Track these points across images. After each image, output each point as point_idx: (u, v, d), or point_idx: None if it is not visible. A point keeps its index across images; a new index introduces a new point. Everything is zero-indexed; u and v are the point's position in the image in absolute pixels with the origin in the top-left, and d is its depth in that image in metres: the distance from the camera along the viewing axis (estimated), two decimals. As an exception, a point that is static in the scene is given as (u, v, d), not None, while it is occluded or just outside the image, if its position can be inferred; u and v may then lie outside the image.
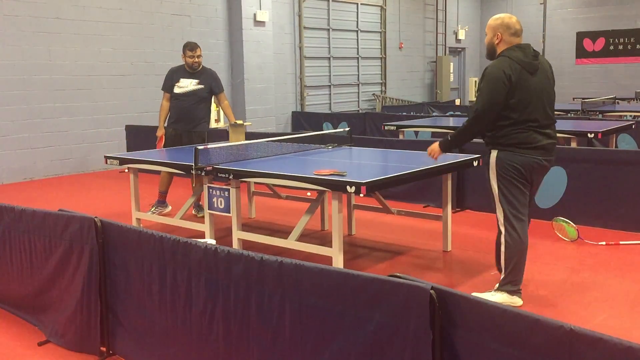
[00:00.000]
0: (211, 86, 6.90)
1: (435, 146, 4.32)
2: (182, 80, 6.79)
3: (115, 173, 9.79)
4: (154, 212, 6.82)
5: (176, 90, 6.77)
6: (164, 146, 6.86)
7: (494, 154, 4.04)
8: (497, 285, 4.17)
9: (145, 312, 3.25)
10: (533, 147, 3.97)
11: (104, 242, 3.40)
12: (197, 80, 6.81)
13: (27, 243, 3.85)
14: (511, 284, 4.09)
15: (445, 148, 4.30)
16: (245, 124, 6.65)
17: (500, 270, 4.17)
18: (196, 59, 6.75)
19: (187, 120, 6.82)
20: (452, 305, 2.15)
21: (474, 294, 4.02)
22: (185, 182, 7.16)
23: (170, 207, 7.01)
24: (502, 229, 4.06)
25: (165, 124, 6.97)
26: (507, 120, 3.94)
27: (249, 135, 8.50)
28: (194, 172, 5.06)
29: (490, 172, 4.07)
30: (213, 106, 12.00)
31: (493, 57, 4.12)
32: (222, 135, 8.59)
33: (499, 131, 3.98)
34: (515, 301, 4.08)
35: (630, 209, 5.85)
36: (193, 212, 6.87)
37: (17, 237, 3.92)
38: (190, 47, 6.76)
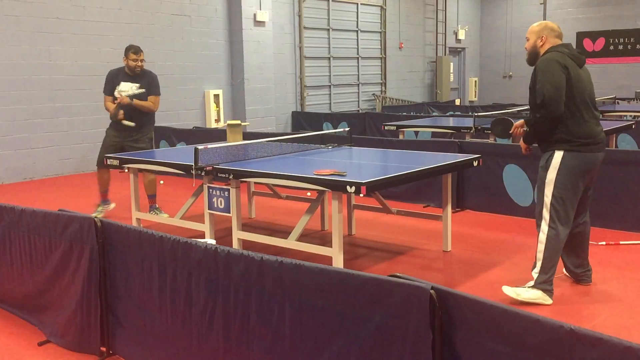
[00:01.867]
0: (150, 89, 6.81)
1: (522, 143, 4.40)
2: (122, 84, 6.68)
3: (115, 173, 9.76)
4: (101, 212, 6.86)
5: (116, 94, 6.66)
6: (103, 142, 6.78)
7: (559, 154, 4.04)
8: (531, 282, 4.18)
9: (145, 312, 3.25)
10: (596, 141, 4.06)
11: (104, 242, 3.40)
12: (138, 84, 6.73)
13: (27, 243, 3.85)
14: (547, 282, 4.14)
15: (528, 141, 4.33)
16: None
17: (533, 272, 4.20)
18: (139, 63, 6.68)
19: (130, 127, 6.74)
20: (452, 305, 2.15)
21: (504, 287, 4.17)
22: (185, 182, 7.16)
23: (113, 204, 7.02)
24: (546, 229, 4.11)
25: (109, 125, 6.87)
26: (568, 114, 4.00)
27: (250, 136, 8.51)
28: (194, 172, 5.06)
29: (550, 171, 4.07)
30: (213, 106, 12.11)
31: (534, 61, 4.20)
32: (221, 135, 8.58)
33: (561, 126, 4.02)
34: (547, 300, 4.14)
35: (630, 209, 5.85)
36: (150, 212, 6.78)
37: (17, 237, 3.92)
38: (134, 50, 6.68)
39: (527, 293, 4.14)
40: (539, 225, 4.18)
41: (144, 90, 6.74)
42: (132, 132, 6.73)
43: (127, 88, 6.69)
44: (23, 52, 9.38)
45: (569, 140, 4.02)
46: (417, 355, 2.20)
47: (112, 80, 6.75)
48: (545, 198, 4.11)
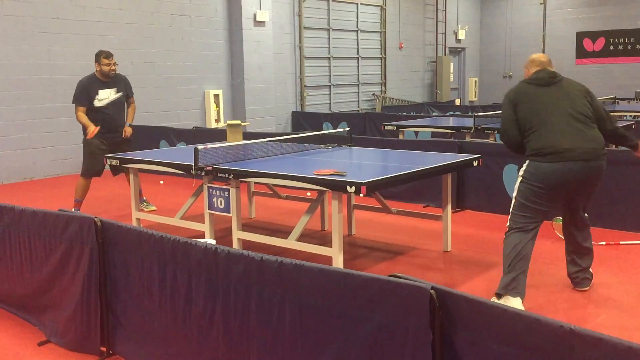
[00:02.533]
0: (126, 91, 6.87)
1: None
2: (100, 92, 6.64)
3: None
4: None
5: (97, 103, 6.62)
6: (90, 153, 6.72)
7: (525, 164, 4.18)
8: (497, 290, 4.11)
9: (145, 312, 3.25)
10: (555, 150, 4.00)
11: (104, 242, 3.40)
12: (115, 89, 6.73)
13: (27, 243, 3.85)
14: (510, 285, 4.05)
15: None
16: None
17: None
18: (113, 67, 6.65)
19: (113, 129, 6.75)
20: (452, 305, 2.15)
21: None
22: (185, 182, 7.16)
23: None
24: (507, 232, 4.20)
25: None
26: (526, 133, 4.15)
27: (250, 136, 8.50)
28: (194, 172, 5.06)
29: (518, 179, 4.20)
30: (213, 106, 12.11)
31: None
32: (221, 135, 8.58)
33: (527, 143, 4.16)
34: (517, 303, 4.06)
35: (630, 209, 5.85)
36: (141, 206, 6.81)
37: (17, 237, 3.92)
38: (106, 55, 6.63)
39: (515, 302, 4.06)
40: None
41: (121, 93, 6.78)
42: (115, 134, 6.76)
43: (106, 95, 6.68)
44: (23, 52, 9.38)
45: (532, 152, 4.10)
46: (417, 355, 2.20)
47: (87, 90, 6.62)
48: (512, 203, 4.19)
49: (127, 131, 6.85)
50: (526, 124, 4.12)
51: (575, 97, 4.19)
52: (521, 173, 4.16)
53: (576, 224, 4.40)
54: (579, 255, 4.44)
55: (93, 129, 6.54)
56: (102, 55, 6.64)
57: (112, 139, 6.75)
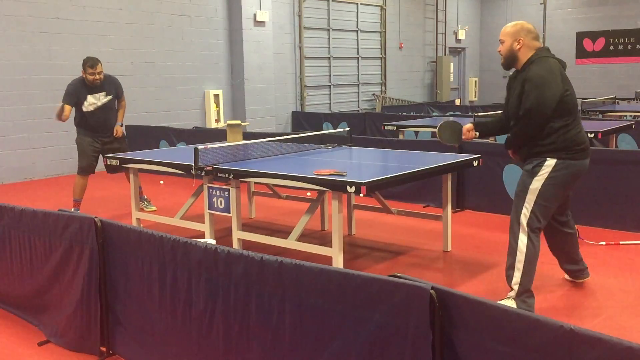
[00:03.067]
0: (117, 93, 6.89)
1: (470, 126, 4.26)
2: (89, 97, 6.68)
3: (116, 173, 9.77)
4: None
5: (87, 108, 6.68)
6: (82, 151, 6.81)
7: (550, 162, 3.87)
8: (512, 293, 3.96)
9: (145, 312, 3.25)
10: (587, 146, 3.98)
11: (104, 242, 3.40)
12: (104, 93, 6.76)
13: (27, 243, 3.85)
14: (527, 293, 3.94)
15: (507, 145, 4.14)
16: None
17: (509, 284, 4.00)
18: (97, 76, 6.64)
19: (105, 130, 6.81)
20: (452, 305, 2.15)
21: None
22: (185, 182, 7.16)
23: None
24: (525, 238, 3.90)
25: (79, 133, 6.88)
26: (564, 123, 3.86)
27: (250, 136, 8.50)
28: (194, 172, 5.06)
29: (537, 179, 3.89)
30: (213, 106, 12.10)
31: (512, 64, 4.02)
32: (221, 135, 8.59)
33: (556, 136, 3.86)
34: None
35: (630, 209, 5.85)
36: (141, 206, 6.85)
37: (17, 237, 3.92)
38: (90, 64, 6.62)
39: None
40: (515, 232, 3.96)
41: (111, 96, 6.80)
42: (107, 135, 6.82)
43: (94, 100, 6.71)
44: (23, 52, 9.38)
45: (562, 149, 3.87)
46: (417, 355, 2.20)
47: (76, 93, 6.67)
48: (527, 205, 3.90)
49: (118, 131, 6.89)
50: (568, 112, 3.84)
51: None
52: (548, 171, 3.86)
53: (569, 223, 4.33)
54: (574, 250, 4.41)
55: (64, 111, 6.58)
56: (87, 64, 6.66)
57: (104, 138, 6.84)
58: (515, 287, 3.93)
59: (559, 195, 3.98)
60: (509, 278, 4.00)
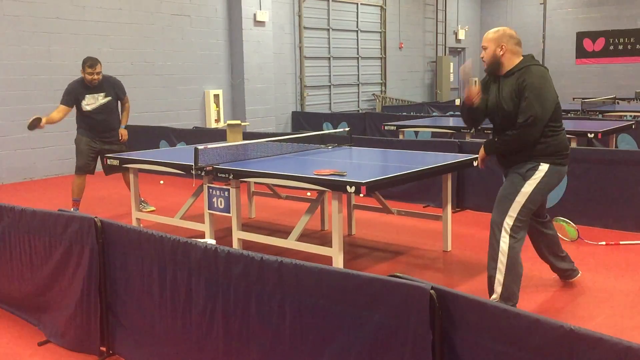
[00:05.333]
0: (117, 94, 6.88)
1: (482, 154, 4.18)
2: (87, 97, 6.69)
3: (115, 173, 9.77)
4: None
5: (86, 107, 6.69)
6: (80, 152, 6.79)
7: (544, 167, 3.89)
8: (494, 296, 3.89)
9: (145, 312, 3.25)
10: (568, 153, 4.02)
11: (104, 242, 3.40)
12: (103, 93, 6.75)
13: (27, 243, 3.85)
14: (513, 297, 3.87)
15: (492, 152, 4.12)
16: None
17: (491, 287, 3.94)
18: (95, 76, 6.64)
19: (104, 131, 6.81)
20: (452, 305, 2.15)
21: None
22: (185, 182, 7.16)
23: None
24: (507, 238, 3.87)
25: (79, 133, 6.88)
26: (555, 129, 3.92)
27: (250, 136, 8.50)
28: (194, 172, 5.06)
29: (529, 183, 3.89)
30: (213, 106, 12.10)
31: (496, 70, 4.01)
32: (221, 135, 8.59)
33: (550, 140, 3.89)
34: None
35: (630, 209, 5.85)
36: (140, 207, 6.82)
37: (17, 237, 3.92)
38: (89, 64, 6.62)
39: None
40: (496, 234, 3.91)
41: (110, 98, 6.80)
42: (106, 135, 6.82)
43: (93, 100, 6.72)
44: (23, 52, 9.38)
45: (553, 154, 3.90)
46: (417, 355, 2.20)
47: (75, 93, 6.68)
48: (516, 206, 3.88)
49: (124, 134, 6.93)
50: (558, 118, 3.91)
51: None
52: (541, 176, 3.88)
53: (548, 224, 4.36)
54: (559, 248, 4.41)
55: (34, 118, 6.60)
56: (86, 64, 6.66)
57: (104, 139, 6.84)
58: (499, 290, 3.86)
59: (544, 199, 4.12)
60: (491, 280, 3.93)
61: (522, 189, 3.90)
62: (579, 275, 4.52)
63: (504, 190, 4.00)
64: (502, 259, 3.86)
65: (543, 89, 3.83)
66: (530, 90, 3.81)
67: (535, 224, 4.24)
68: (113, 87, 6.88)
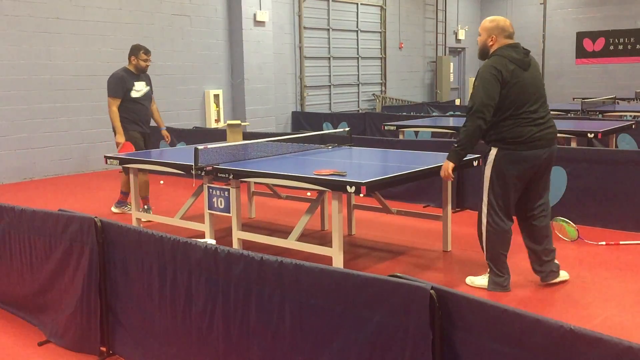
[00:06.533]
0: (151, 87, 7.04)
1: (446, 164, 4.31)
2: (136, 83, 6.80)
3: (115, 173, 9.78)
4: (123, 210, 6.98)
5: (134, 94, 6.77)
6: (137, 149, 6.79)
7: (493, 151, 4.19)
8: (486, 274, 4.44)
9: (145, 312, 3.25)
10: (531, 140, 4.11)
11: (104, 242, 3.40)
12: (144, 82, 6.91)
13: (27, 243, 3.85)
14: (495, 274, 4.33)
15: (455, 159, 4.27)
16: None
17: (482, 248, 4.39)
18: (149, 63, 6.85)
19: (146, 121, 6.96)
20: (452, 305, 2.15)
21: (468, 279, 4.46)
22: (185, 182, 7.16)
23: (129, 206, 6.92)
24: (485, 221, 4.28)
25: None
26: (503, 116, 4.10)
27: (250, 136, 8.51)
28: (194, 172, 5.06)
29: (487, 166, 4.24)
30: (213, 106, 12.10)
31: (485, 57, 4.28)
32: (221, 135, 8.59)
33: (496, 128, 4.14)
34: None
35: (630, 209, 5.85)
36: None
37: (17, 237, 3.92)
38: (144, 51, 6.79)
39: (480, 280, 4.46)
40: (479, 218, 4.33)
41: (149, 88, 6.97)
42: (147, 125, 6.97)
43: (141, 87, 6.84)
44: (23, 52, 9.38)
45: (501, 140, 4.13)
46: (417, 355, 2.20)
47: (124, 82, 6.76)
48: (484, 192, 4.24)
49: (168, 137, 7.15)
50: (508, 109, 4.07)
51: (541, 81, 4.35)
52: (491, 160, 4.19)
53: (536, 217, 4.44)
54: (540, 242, 4.43)
55: (123, 145, 6.67)
56: (141, 50, 6.78)
57: (146, 131, 6.94)
58: (488, 263, 4.37)
59: (510, 180, 4.21)
60: (482, 247, 4.39)
61: (485, 174, 4.25)
62: (556, 278, 4.47)
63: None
64: (483, 237, 4.32)
65: (485, 77, 4.06)
66: (477, 79, 4.15)
67: (525, 217, 4.41)
68: (149, 80, 7.04)
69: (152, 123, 7.21)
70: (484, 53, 4.28)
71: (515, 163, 4.14)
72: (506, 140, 4.12)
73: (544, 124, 4.18)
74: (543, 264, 4.42)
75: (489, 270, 4.39)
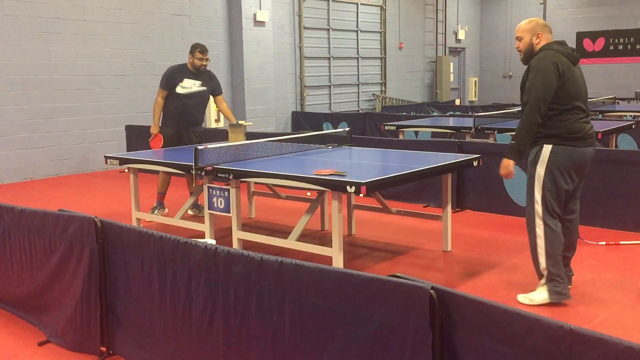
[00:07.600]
0: (213, 88, 6.97)
1: (506, 162, 4.12)
2: (185, 80, 6.76)
3: (115, 173, 9.79)
4: (158, 214, 6.79)
5: (180, 90, 6.73)
6: (163, 146, 6.81)
7: (547, 148, 4.00)
8: (543, 280, 4.12)
9: (145, 312, 3.25)
10: (584, 136, 4.02)
11: (104, 242, 3.40)
12: (200, 82, 6.83)
13: (27, 243, 3.85)
14: (556, 282, 4.06)
15: (516, 157, 4.11)
16: (245, 124, 6.64)
17: (539, 273, 4.13)
18: (204, 62, 6.79)
19: (189, 120, 6.84)
20: (452, 305, 2.15)
21: (519, 296, 4.19)
22: (185, 182, 7.15)
23: (167, 209, 6.97)
24: (541, 223, 4.03)
25: (160, 123, 6.90)
26: (558, 111, 3.96)
27: (249, 135, 8.50)
28: (194, 172, 5.06)
29: (538, 165, 4.03)
30: (213, 106, 12.08)
31: (531, 58, 4.09)
32: (222, 135, 8.59)
33: (551, 122, 3.98)
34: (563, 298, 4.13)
35: (630, 209, 5.85)
36: (190, 212, 6.85)
37: (17, 237, 3.92)
38: (201, 50, 6.76)
39: (540, 295, 4.13)
40: (531, 222, 4.09)
41: (205, 88, 6.88)
42: (191, 124, 6.89)
43: (190, 84, 6.80)
44: (23, 52, 9.38)
45: (557, 135, 3.98)
46: (417, 355, 2.20)
47: (174, 76, 6.76)
48: (536, 193, 4.04)
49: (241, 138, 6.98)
50: (562, 104, 3.94)
51: (584, 82, 4.21)
52: (545, 157, 3.99)
53: (574, 203, 4.35)
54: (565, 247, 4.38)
55: (154, 136, 6.69)
56: (197, 49, 6.77)
57: (186, 129, 6.86)
58: (545, 273, 4.07)
59: (564, 178, 4.06)
60: (537, 266, 4.12)
61: (535, 174, 4.05)
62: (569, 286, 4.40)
63: (527, 184, 4.16)
64: (540, 242, 4.06)
65: (542, 70, 3.92)
66: (531, 72, 3.97)
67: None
68: (211, 80, 6.97)
69: (213, 124, 7.12)
70: (529, 54, 4.10)
71: (572, 160, 3.99)
72: (563, 136, 3.96)
73: (590, 122, 4.12)
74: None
75: (544, 281, 4.11)
